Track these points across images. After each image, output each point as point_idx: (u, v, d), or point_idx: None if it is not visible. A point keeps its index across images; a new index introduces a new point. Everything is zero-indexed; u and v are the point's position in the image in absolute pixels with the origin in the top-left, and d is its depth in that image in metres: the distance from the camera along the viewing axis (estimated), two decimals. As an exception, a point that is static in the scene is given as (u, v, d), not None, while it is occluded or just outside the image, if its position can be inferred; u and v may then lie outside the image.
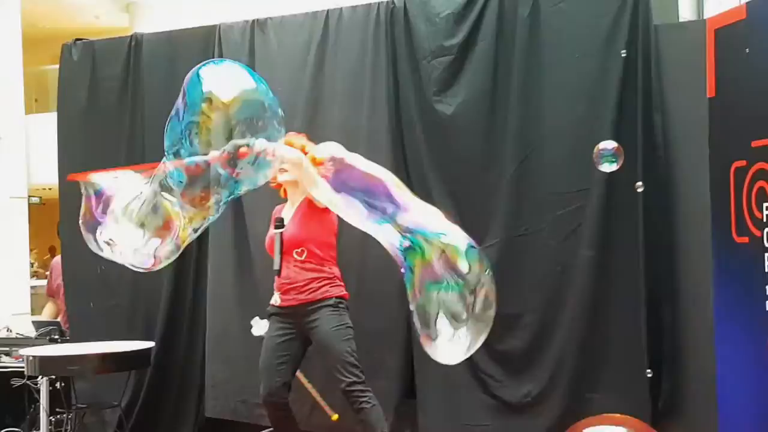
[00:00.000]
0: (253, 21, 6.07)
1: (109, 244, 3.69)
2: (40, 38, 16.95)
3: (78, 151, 6.62)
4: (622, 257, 5.10)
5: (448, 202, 5.27)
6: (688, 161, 5.01)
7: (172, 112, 3.31)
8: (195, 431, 6.26)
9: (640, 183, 4.57)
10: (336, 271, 5.06)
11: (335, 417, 5.16)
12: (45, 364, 5.40)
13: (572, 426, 4.04)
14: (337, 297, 4.98)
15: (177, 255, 3.67)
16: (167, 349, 6.24)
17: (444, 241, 3.56)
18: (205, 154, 3.28)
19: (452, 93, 5.46)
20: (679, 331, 5.08)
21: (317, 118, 5.77)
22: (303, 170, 4.34)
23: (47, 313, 7.42)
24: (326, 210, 4.75)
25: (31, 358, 5.36)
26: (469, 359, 5.38)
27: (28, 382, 5.80)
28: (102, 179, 3.73)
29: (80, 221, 3.70)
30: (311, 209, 4.94)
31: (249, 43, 6.03)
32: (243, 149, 3.24)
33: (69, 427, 5.90)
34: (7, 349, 6.28)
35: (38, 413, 5.78)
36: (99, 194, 3.73)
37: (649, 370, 5.00)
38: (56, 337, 6.42)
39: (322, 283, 4.97)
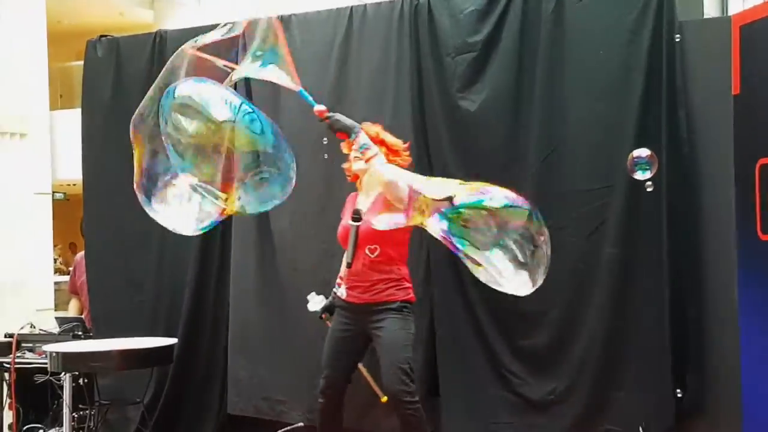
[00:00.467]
0: (277, 17, 6.07)
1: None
2: (65, 34, 17.03)
3: (102, 147, 6.64)
4: (645, 254, 5.08)
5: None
6: (713, 158, 4.97)
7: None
8: (217, 428, 6.27)
9: (649, 183, 4.54)
10: (405, 271, 4.95)
11: (384, 399, 5.13)
12: (68, 360, 5.41)
13: None
14: (402, 301, 4.87)
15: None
16: (190, 345, 6.26)
17: (485, 205, 3.75)
18: None
19: (476, 90, 5.45)
20: (703, 328, 5.05)
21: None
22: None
23: (72, 310, 7.45)
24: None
25: (54, 354, 5.39)
26: (493, 356, 5.42)
27: (51, 378, 5.83)
28: None
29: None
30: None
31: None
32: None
33: (92, 424, 5.93)
34: (31, 345, 6.30)
35: (61, 409, 5.80)
36: None
37: (678, 391, 4.98)
38: (79, 333, 6.44)
39: (389, 284, 4.87)
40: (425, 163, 5.47)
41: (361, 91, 5.76)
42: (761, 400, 4.17)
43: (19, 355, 6.19)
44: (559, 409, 5.26)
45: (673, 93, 5.04)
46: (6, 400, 6.22)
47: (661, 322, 5.01)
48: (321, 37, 5.92)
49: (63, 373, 5.61)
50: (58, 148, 15.37)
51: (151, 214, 4.09)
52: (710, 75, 4.96)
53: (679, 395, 4.97)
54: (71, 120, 12.97)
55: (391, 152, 4.87)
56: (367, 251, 4.85)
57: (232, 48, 4.06)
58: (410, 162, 4.95)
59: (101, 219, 6.70)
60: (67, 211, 14.33)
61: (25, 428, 6.27)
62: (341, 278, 5.10)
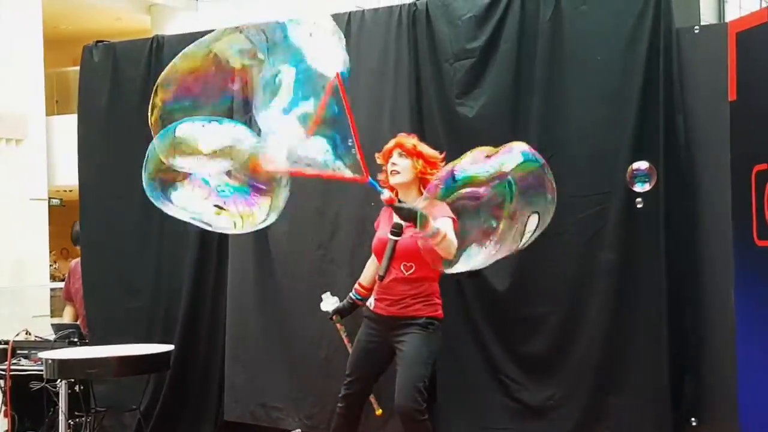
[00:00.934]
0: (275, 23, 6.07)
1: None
2: (61, 40, 17.04)
3: (98, 153, 6.65)
4: (644, 260, 5.08)
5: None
6: (710, 164, 4.98)
7: None
8: (214, 434, 6.27)
9: (639, 199, 4.54)
10: (435, 287, 4.88)
11: (379, 412, 5.13)
12: (64, 367, 5.39)
13: None
14: (428, 316, 4.81)
15: None
16: (187, 352, 6.26)
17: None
18: None
19: (474, 95, 5.45)
20: (701, 334, 5.06)
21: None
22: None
23: (67, 317, 7.43)
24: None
25: (50, 361, 5.37)
26: (491, 362, 5.41)
27: (47, 385, 5.81)
28: None
29: None
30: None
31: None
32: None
33: (88, 431, 5.91)
34: (26, 352, 6.28)
35: (57, 416, 5.78)
36: None
37: (694, 419, 4.99)
38: (75, 340, 6.43)
39: (417, 300, 4.81)
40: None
41: (360, 96, 5.75)
42: (758, 404, 4.17)
43: (14, 362, 6.17)
44: (557, 414, 5.26)
45: (671, 99, 5.05)
46: (1, 408, 6.19)
47: (658, 327, 5.01)
48: (319, 43, 5.91)
49: (59, 380, 5.58)
50: (55, 154, 15.36)
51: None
52: (707, 81, 4.96)
53: (694, 423, 4.95)
54: (67, 125, 12.97)
55: (429, 164, 4.83)
56: (402, 268, 4.79)
57: None
58: None
59: (97, 225, 6.69)
60: (64, 217, 14.32)
61: (20, 435, 6.25)
62: (360, 285, 5.11)
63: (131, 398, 6.26)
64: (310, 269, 5.78)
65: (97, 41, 6.72)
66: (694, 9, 5.65)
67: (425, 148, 4.87)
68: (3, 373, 6.09)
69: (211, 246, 6.21)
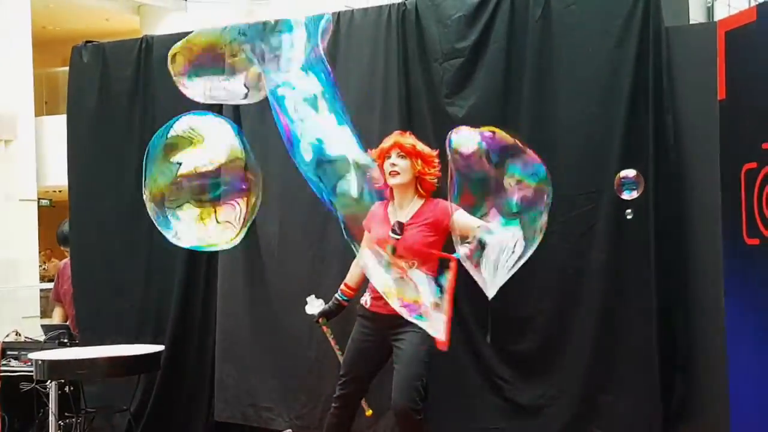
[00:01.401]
0: (264, 24, 6.06)
1: None
2: (50, 40, 17.01)
3: (88, 154, 6.63)
4: (633, 259, 5.09)
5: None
6: (699, 163, 4.99)
7: None
8: (205, 435, 6.26)
9: (629, 210, 4.54)
10: None
11: (369, 412, 5.12)
12: (54, 368, 5.39)
13: None
14: None
15: None
16: (177, 352, 6.25)
17: None
18: None
19: (464, 95, 5.45)
20: (691, 333, 5.07)
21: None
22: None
23: (57, 317, 7.42)
24: (447, 225, 4.49)
25: (40, 362, 5.36)
26: (482, 362, 5.42)
27: (36, 386, 5.80)
28: None
29: None
30: (437, 220, 4.72)
31: (260, 44, 6.03)
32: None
33: None
34: (16, 352, 6.28)
35: (47, 418, 5.78)
36: None
37: None
38: (65, 340, 6.42)
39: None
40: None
41: (349, 96, 5.73)
42: (748, 404, 4.17)
43: (4, 363, 6.17)
44: (548, 414, 5.27)
45: (660, 98, 5.05)
46: (-9, 409, 6.19)
47: (648, 326, 5.02)
48: (308, 43, 5.91)
49: (49, 381, 5.58)
50: (44, 155, 15.33)
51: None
52: (696, 80, 4.97)
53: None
54: (57, 126, 12.95)
55: (427, 164, 4.81)
56: (404, 265, 4.70)
57: None
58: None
59: (87, 225, 6.68)
60: (53, 218, 14.31)
61: (10, 436, 6.24)
62: (346, 285, 5.11)
63: (121, 399, 6.25)
64: (301, 269, 5.78)
65: (87, 42, 6.71)
66: (683, 7, 5.65)
67: (423, 147, 4.84)
68: (-7, 373, 6.09)
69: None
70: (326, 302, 5.12)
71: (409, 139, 4.84)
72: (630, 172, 4.37)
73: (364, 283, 5.00)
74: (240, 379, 6.02)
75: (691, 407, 5.07)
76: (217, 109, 6.13)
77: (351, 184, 4.16)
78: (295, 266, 5.82)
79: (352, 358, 4.96)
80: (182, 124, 4.17)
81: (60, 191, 14.63)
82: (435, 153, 4.84)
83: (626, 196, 4.41)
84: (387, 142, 4.84)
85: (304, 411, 5.78)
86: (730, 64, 4.27)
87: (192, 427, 6.31)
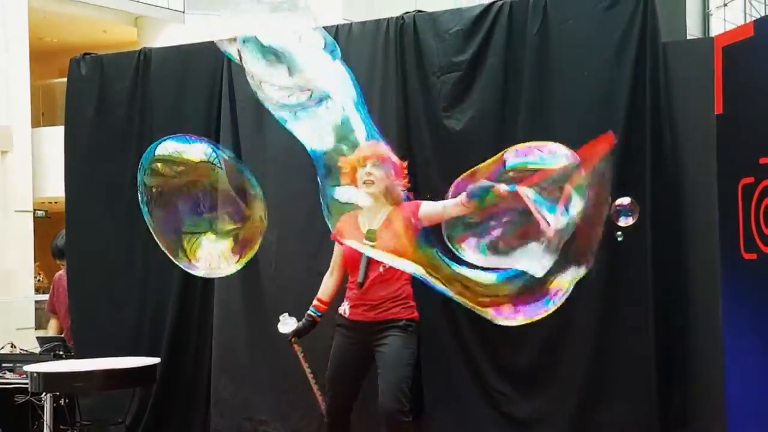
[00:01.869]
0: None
1: None
2: (47, 52, 17.02)
3: (85, 165, 6.62)
4: (630, 273, 5.09)
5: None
6: (697, 177, 5.00)
7: None
8: (200, 448, 6.24)
9: (620, 233, 4.55)
10: (409, 289, 4.95)
11: None
12: (49, 380, 5.37)
13: None
14: (407, 319, 4.89)
15: None
16: (173, 365, 6.22)
17: None
18: None
19: (461, 109, 5.46)
20: (688, 346, 5.07)
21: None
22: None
23: (52, 329, 7.39)
24: (416, 225, 4.58)
25: (35, 374, 5.34)
26: (478, 374, 5.41)
27: (32, 398, 5.77)
28: None
29: None
30: (406, 224, 4.70)
31: (258, 57, 6.03)
32: None
33: (73, 444, 5.88)
34: (11, 365, 6.25)
35: (42, 430, 5.75)
36: None
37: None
38: (61, 353, 6.39)
39: (396, 303, 4.88)
40: (411, 183, 5.46)
41: (347, 109, 5.77)
42: (745, 416, 4.18)
43: (-1, 375, 6.15)
44: (545, 426, 5.26)
45: (657, 113, 5.07)
46: (-14, 421, 6.17)
47: (645, 339, 5.02)
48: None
49: (44, 394, 5.56)
50: (40, 166, 15.32)
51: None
52: (694, 95, 4.99)
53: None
54: (53, 137, 12.96)
55: (398, 174, 4.84)
56: (381, 269, 4.84)
57: None
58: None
59: (83, 237, 6.66)
60: (49, 229, 14.30)
61: (5, 449, 6.22)
62: (320, 300, 5.12)
63: (117, 412, 6.22)
64: (297, 281, 5.77)
65: (85, 54, 6.71)
66: (680, 23, 5.67)
67: (395, 158, 4.83)
68: (-12, 386, 6.07)
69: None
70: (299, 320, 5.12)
71: (383, 149, 4.80)
72: (625, 200, 4.37)
73: (338, 296, 5.07)
74: (236, 391, 6.00)
75: (688, 421, 5.06)
76: (215, 122, 6.17)
77: None
78: (292, 279, 5.82)
79: (336, 369, 4.98)
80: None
81: (56, 202, 14.63)
82: (405, 164, 4.87)
83: (622, 222, 4.41)
84: (363, 151, 4.72)
85: (300, 425, 5.76)
86: (727, 79, 4.29)
87: (188, 439, 6.29)
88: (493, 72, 5.40)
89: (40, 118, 16.59)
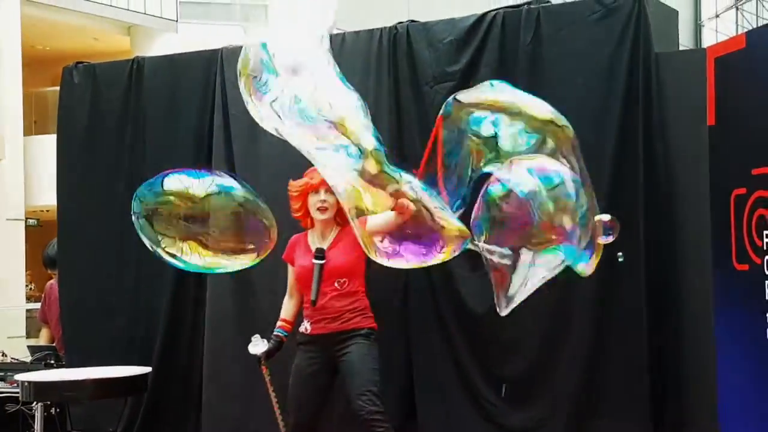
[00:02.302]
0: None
1: None
2: (40, 60, 17.01)
3: (77, 174, 6.61)
4: (623, 284, 5.09)
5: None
6: (689, 188, 5.01)
7: None
8: (191, 457, 6.22)
9: (620, 254, 4.56)
10: (366, 301, 5.03)
11: None
12: (40, 389, 5.34)
13: None
14: (368, 328, 4.98)
15: None
16: (164, 374, 6.20)
17: None
18: None
19: (454, 119, 5.46)
20: (681, 357, 5.08)
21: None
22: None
23: (44, 338, 7.37)
24: None
25: (26, 383, 5.32)
26: (470, 385, 5.41)
27: (22, 407, 5.76)
28: None
29: None
30: (354, 240, 4.73)
31: (251, 66, 6.03)
32: None
33: (64, 453, 5.86)
34: (2, 373, 6.23)
35: (33, 439, 5.73)
36: None
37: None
38: (52, 362, 6.37)
39: (356, 313, 4.95)
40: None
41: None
42: (738, 424, 4.18)
43: (-10, 384, 6.12)
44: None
45: (650, 123, 5.08)
46: (-24, 430, 6.14)
47: (639, 350, 5.02)
48: (299, 66, 5.92)
49: (35, 403, 5.53)
50: (32, 174, 15.29)
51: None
52: (686, 106, 5.00)
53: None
54: (45, 146, 12.94)
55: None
56: (336, 284, 4.94)
57: None
58: None
59: (75, 246, 6.65)
60: (41, 238, 14.28)
61: (-5, 458, 6.19)
62: (284, 320, 5.20)
63: (108, 421, 6.20)
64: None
65: (77, 62, 6.70)
66: (673, 33, 5.69)
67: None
68: (-21, 395, 6.05)
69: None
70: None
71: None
72: (605, 217, 4.38)
73: (299, 315, 5.16)
74: (227, 402, 5.99)
75: (682, 429, 5.06)
76: (207, 131, 6.16)
77: None
78: (283, 291, 5.80)
79: (301, 388, 5.02)
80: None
81: (48, 211, 14.60)
82: None
83: (602, 240, 4.42)
84: (313, 179, 4.95)
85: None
86: (719, 90, 4.30)
87: (179, 449, 6.27)
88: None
89: (32, 127, 16.58)
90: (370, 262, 4.57)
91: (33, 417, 5.66)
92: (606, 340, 5.14)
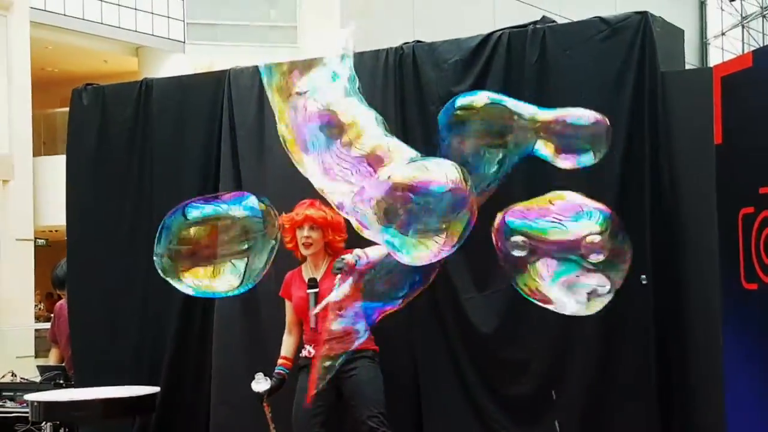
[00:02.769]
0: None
1: None
2: (48, 81, 17.11)
3: (86, 194, 6.64)
4: (630, 304, 5.07)
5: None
6: (696, 207, 5.00)
7: None
8: (200, 477, 6.21)
9: (644, 276, 4.57)
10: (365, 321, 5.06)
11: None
12: (50, 409, 5.36)
13: None
14: (372, 350, 5.11)
15: None
16: (173, 393, 6.20)
17: None
18: None
19: (461, 139, 5.47)
20: (689, 377, 5.06)
21: (326, 163, 5.78)
22: None
23: (53, 358, 7.39)
24: None
25: (35, 403, 5.33)
26: (477, 406, 5.40)
27: (32, 427, 5.77)
28: None
29: None
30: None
31: (258, 88, 6.05)
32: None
33: (72, 473, 5.86)
34: (12, 393, 6.24)
35: (42, 459, 5.74)
36: None
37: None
38: (61, 381, 6.38)
39: (359, 335, 4.97)
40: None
41: (346, 139, 5.78)
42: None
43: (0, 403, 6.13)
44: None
45: (656, 142, 5.08)
46: (-14, 450, 6.15)
47: (646, 370, 5.01)
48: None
49: (44, 423, 5.55)
50: (41, 194, 15.35)
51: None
52: (693, 125, 5.00)
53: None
54: (54, 166, 12.99)
55: (336, 231, 5.20)
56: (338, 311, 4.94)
57: None
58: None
59: (84, 266, 6.67)
60: (49, 258, 14.32)
61: (4, 478, 6.19)
62: (284, 358, 5.34)
63: (117, 441, 6.21)
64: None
65: (87, 84, 6.74)
66: (679, 53, 5.70)
67: (333, 216, 5.10)
68: (-12, 415, 6.06)
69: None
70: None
71: (319, 212, 5.16)
72: (596, 238, 4.38)
73: (298, 351, 5.31)
74: (235, 420, 5.98)
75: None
76: (215, 151, 6.19)
77: None
78: (293, 307, 5.82)
79: (304, 413, 5.07)
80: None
81: (56, 231, 14.65)
82: (343, 220, 5.00)
83: (593, 258, 4.41)
84: (298, 215, 5.17)
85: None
86: (726, 108, 4.30)
87: (187, 469, 6.26)
88: (492, 102, 5.41)
89: (41, 147, 16.66)
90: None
91: (42, 437, 5.67)
92: (613, 359, 5.13)
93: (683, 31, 5.81)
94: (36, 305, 15.94)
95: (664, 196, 5.09)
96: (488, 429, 5.39)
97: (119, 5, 17.60)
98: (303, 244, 5.20)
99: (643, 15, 5.15)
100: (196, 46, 18.21)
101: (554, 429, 5.15)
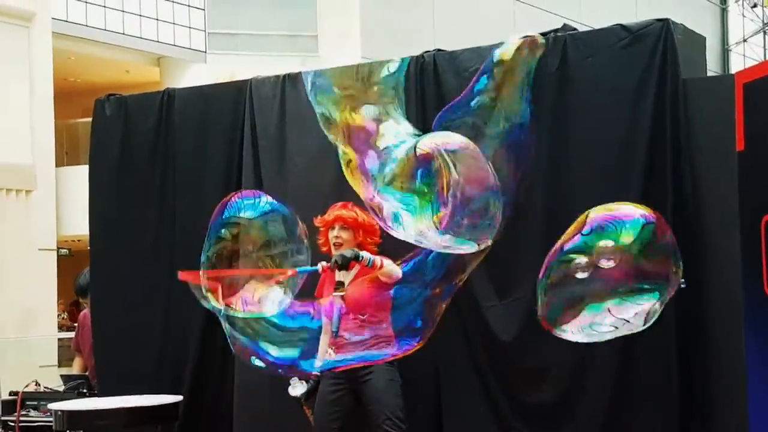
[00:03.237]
0: (285, 75, 6.13)
1: None
2: (71, 92, 17.20)
3: (109, 204, 6.68)
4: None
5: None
6: (718, 214, 4.99)
7: None
8: (223, 486, 6.23)
9: (683, 279, 4.55)
10: (390, 331, 5.03)
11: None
12: (73, 418, 5.40)
13: None
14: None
15: None
16: (196, 402, 6.23)
17: None
18: None
19: (480, 146, 5.47)
20: (710, 385, 5.04)
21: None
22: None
23: (77, 367, 7.43)
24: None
25: (59, 412, 5.37)
26: (497, 413, 5.39)
27: (56, 436, 5.79)
28: None
29: None
30: (373, 278, 4.92)
31: (280, 97, 6.08)
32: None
33: (97, 482, 5.88)
34: (36, 403, 6.28)
35: (66, 468, 5.76)
36: None
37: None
38: (85, 390, 6.41)
39: (380, 341, 4.97)
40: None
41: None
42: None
43: (24, 413, 6.16)
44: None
45: (678, 150, 5.07)
46: (11, 459, 6.19)
47: (667, 378, 4.99)
48: (327, 95, 5.97)
49: (68, 432, 5.58)
50: (63, 204, 15.43)
51: None
52: (715, 132, 4.99)
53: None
54: (76, 176, 13.07)
55: (368, 233, 5.21)
56: (359, 315, 4.93)
57: None
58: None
59: (107, 275, 6.71)
60: (72, 267, 14.40)
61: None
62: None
63: (140, 449, 6.23)
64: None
65: (109, 95, 6.79)
66: (700, 59, 5.68)
67: (365, 218, 5.12)
68: (12, 424, 6.09)
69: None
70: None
71: (350, 213, 5.20)
72: (609, 243, 4.37)
73: None
74: (259, 429, 6.00)
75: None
76: (237, 160, 6.21)
77: None
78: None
79: (325, 415, 5.16)
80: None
81: (79, 240, 14.73)
82: (376, 223, 4.98)
83: (604, 264, 4.41)
84: (330, 215, 5.23)
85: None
86: (748, 115, 4.28)
87: (210, 478, 6.28)
88: (513, 110, 5.42)
89: (63, 158, 16.74)
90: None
91: (66, 446, 5.70)
92: (633, 366, 5.11)
93: (704, 38, 5.79)
94: (59, 315, 16.02)
95: (686, 203, 5.08)
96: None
97: (141, 16, 17.69)
98: (334, 244, 5.21)
99: (665, 22, 5.14)
100: (218, 55, 18.27)
101: None
